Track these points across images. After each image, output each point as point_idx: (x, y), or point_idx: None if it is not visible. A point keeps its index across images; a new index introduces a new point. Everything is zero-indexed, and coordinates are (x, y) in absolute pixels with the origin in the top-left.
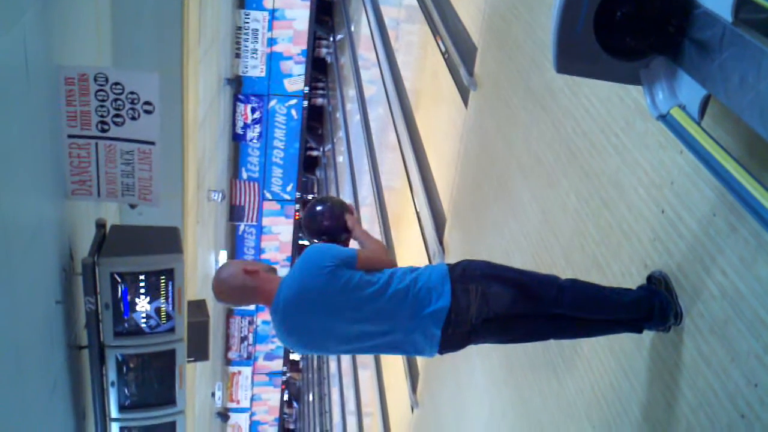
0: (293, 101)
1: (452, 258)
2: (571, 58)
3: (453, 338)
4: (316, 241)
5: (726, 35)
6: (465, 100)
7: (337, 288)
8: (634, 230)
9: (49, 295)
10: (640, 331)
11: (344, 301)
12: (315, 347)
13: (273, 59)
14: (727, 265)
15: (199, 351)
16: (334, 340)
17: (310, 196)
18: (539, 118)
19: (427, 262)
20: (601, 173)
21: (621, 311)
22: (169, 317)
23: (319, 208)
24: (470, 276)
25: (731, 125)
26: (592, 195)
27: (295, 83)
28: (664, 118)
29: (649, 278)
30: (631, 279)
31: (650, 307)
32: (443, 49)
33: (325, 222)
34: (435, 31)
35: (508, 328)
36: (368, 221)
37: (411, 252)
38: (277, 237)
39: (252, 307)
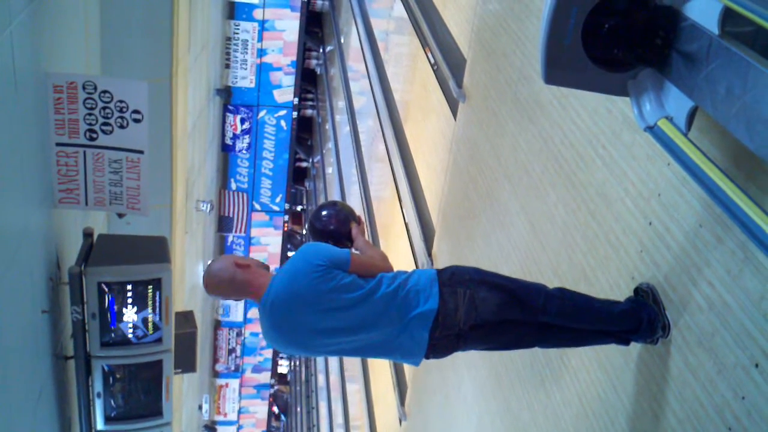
0: (283, 112)
1: None
2: (559, 70)
3: (441, 342)
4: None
5: (712, 47)
6: (454, 112)
7: (327, 288)
8: (622, 242)
9: (35, 305)
10: (627, 343)
11: (333, 302)
12: (300, 345)
13: (263, 70)
14: (714, 277)
15: (186, 362)
16: (319, 338)
17: (299, 207)
18: (527, 130)
19: None
20: (589, 185)
21: (608, 323)
22: (156, 327)
23: (326, 210)
24: (459, 280)
25: (718, 137)
26: (580, 206)
27: (285, 94)
28: (652, 129)
29: (637, 291)
30: (619, 291)
31: (638, 319)
32: (432, 60)
33: (330, 225)
34: (424, 43)
35: (496, 334)
36: None
37: (400, 263)
38: (266, 248)
39: (240, 318)
